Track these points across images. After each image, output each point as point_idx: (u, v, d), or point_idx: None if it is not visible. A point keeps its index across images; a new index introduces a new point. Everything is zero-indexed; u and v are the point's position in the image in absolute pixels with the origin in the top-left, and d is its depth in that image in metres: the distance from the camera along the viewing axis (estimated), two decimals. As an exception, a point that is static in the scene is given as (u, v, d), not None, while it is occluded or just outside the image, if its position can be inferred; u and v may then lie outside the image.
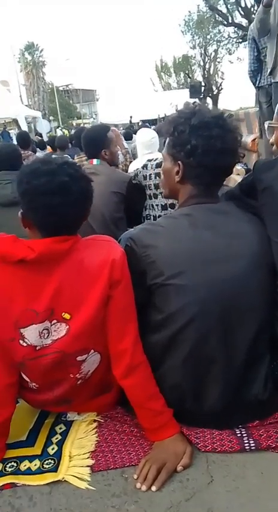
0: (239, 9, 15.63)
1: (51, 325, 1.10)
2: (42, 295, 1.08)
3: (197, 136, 1.16)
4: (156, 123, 16.70)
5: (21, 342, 1.11)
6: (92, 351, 1.17)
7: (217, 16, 18.18)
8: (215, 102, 23.59)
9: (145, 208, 2.65)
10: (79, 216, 1.14)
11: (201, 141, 1.16)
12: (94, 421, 1.28)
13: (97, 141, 2.41)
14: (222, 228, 1.19)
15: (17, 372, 1.18)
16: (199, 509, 0.99)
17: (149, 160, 2.44)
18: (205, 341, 1.13)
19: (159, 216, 2.38)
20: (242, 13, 15.19)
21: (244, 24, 15.21)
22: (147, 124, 10.14)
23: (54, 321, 1.10)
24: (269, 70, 3.59)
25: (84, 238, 1.17)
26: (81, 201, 1.12)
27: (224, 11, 17.31)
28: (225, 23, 17.76)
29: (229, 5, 17.02)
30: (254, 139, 4.85)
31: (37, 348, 1.12)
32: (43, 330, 1.10)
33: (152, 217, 2.46)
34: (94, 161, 2.36)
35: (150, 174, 2.37)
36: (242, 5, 14.88)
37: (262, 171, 1.22)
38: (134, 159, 3.91)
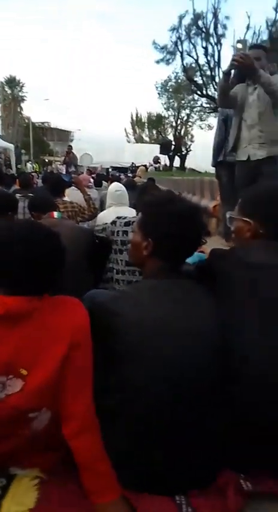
0: (214, 83, 17.02)
1: (7, 380, 1.11)
2: (1, 349, 1.09)
3: (170, 223, 1.29)
4: (127, 171, 17.25)
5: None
6: (44, 408, 1.18)
7: (193, 86, 19.71)
8: (182, 162, 24.86)
9: (110, 261, 2.75)
10: (46, 281, 1.19)
11: (174, 229, 1.29)
12: (37, 476, 1.26)
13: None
14: (185, 304, 1.27)
15: None
16: None
17: (118, 218, 2.57)
18: (154, 411, 1.17)
19: (122, 270, 2.48)
20: (216, 87, 16.55)
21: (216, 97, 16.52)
22: (115, 172, 10.50)
23: (11, 376, 1.11)
24: (231, 146, 3.54)
25: (51, 297, 1.21)
26: (45, 269, 1.16)
27: (200, 82, 18.86)
28: (199, 93, 19.28)
29: (204, 78, 18.56)
30: (215, 205, 5.22)
31: None
32: (-2, 384, 1.11)
33: (115, 270, 2.55)
34: (55, 214, 2.49)
35: (118, 231, 2.49)
36: (216, 80, 16.25)
37: (219, 258, 1.40)
38: (104, 207, 4.09)
